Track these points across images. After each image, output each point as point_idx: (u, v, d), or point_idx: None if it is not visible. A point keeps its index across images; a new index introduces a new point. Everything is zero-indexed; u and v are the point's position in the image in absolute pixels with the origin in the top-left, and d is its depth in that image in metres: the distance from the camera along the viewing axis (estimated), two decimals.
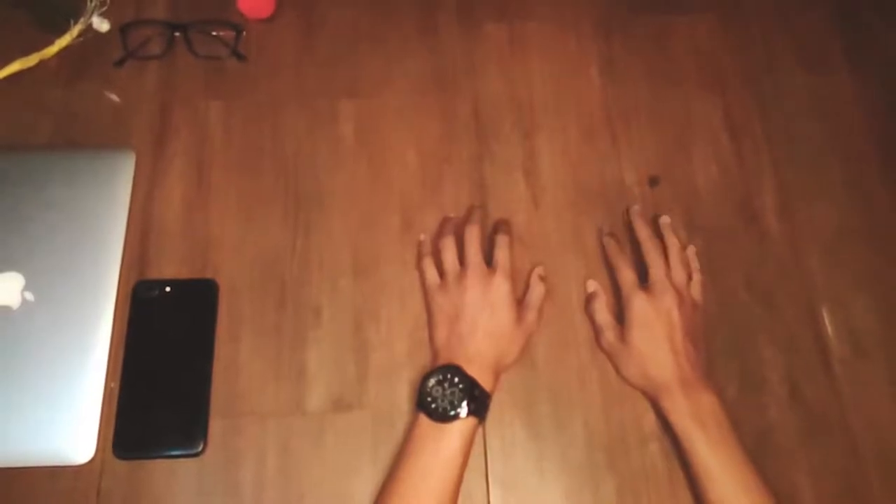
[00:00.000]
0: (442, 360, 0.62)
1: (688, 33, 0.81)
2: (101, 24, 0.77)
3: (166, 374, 0.64)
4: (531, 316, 0.66)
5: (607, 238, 0.70)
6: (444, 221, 0.71)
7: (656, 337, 0.63)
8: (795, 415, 0.65)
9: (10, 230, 0.67)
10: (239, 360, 0.65)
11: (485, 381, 0.60)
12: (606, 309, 0.67)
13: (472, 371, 0.60)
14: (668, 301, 0.64)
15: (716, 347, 0.66)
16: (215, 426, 0.63)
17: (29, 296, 0.65)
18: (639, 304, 0.64)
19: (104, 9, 0.78)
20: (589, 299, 0.68)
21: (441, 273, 0.67)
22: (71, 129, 0.74)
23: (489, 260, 0.66)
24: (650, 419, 0.64)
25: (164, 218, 0.70)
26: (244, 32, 0.78)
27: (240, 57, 0.77)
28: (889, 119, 0.77)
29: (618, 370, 0.65)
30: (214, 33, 0.77)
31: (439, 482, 0.57)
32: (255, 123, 0.75)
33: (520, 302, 0.66)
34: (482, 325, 0.62)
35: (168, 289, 0.67)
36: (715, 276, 0.69)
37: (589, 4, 0.82)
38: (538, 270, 0.68)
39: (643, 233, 0.69)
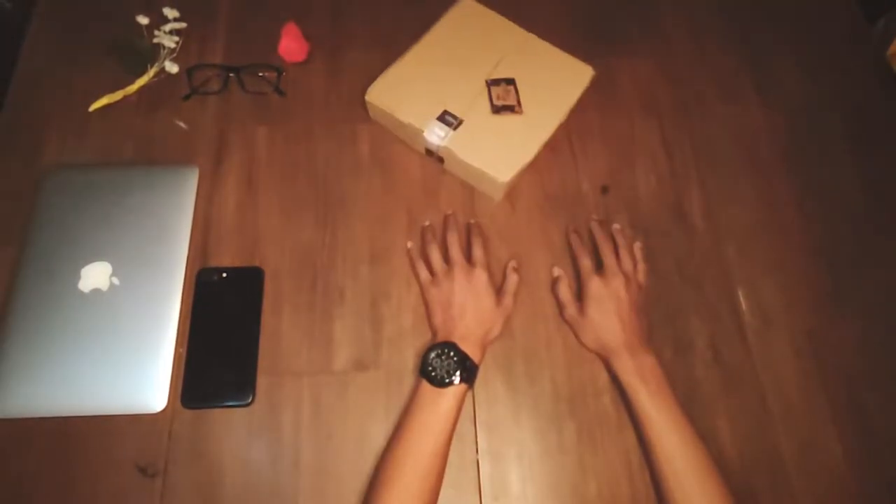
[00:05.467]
0: (440, 338, 0.61)
1: (632, 72, 0.79)
2: (172, 67, 0.76)
3: (223, 342, 0.63)
4: (508, 300, 0.64)
5: (573, 235, 0.69)
6: (424, 230, 0.69)
7: (608, 311, 0.61)
8: (717, 372, 0.64)
9: (100, 229, 0.66)
10: (280, 330, 0.64)
11: (474, 354, 0.59)
12: (568, 289, 0.65)
13: (465, 347, 0.59)
14: (617, 283, 0.62)
15: (655, 319, 0.65)
16: (262, 382, 0.62)
17: (115, 280, 0.64)
18: (594, 285, 0.63)
19: (174, 55, 0.77)
20: (554, 282, 0.67)
21: (431, 271, 0.65)
22: (148, 150, 0.72)
23: (468, 256, 0.65)
24: (603, 376, 0.63)
25: (221, 219, 0.69)
26: (284, 73, 0.76)
27: (280, 92, 0.76)
28: (789, 140, 0.76)
29: (577, 338, 0.64)
30: (261, 74, 0.76)
31: (436, 434, 0.56)
32: (292, 144, 0.73)
33: (499, 289, 0.65)
34: (469, 309, 0.61)
35: (224, 274, 0.66)
36: (653, 263, 0.68)
37: None
38: (511, 263, 0.67)
39: (599, 234, 0.68)
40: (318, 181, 0.71)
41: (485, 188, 0.70)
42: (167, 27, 0.77)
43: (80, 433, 0.59)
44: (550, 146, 0.72)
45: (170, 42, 0.76)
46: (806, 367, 0.64)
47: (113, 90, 0.74)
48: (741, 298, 0.67)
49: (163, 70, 0.75)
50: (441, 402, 0.57)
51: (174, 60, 0.76)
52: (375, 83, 0.70)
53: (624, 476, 0.59)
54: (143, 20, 0.77)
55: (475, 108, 0.69)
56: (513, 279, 0.65)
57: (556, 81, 0.72)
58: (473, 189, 0.71)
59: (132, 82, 0.74)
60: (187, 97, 0.75)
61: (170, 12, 0.78)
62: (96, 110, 0.73)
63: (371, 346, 0.64)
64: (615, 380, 0.60)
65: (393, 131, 0.73)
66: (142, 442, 0.59)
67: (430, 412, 0.57)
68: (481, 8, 0.76)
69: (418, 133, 0.68)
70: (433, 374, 0.57)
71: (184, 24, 0.78)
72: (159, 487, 0.57)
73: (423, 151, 0.72)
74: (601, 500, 0.58)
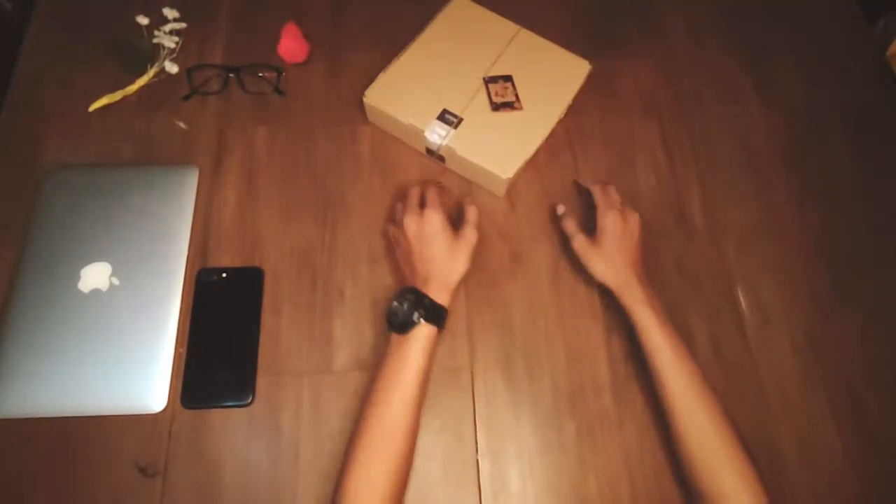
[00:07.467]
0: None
1: (631, 73, 0.79)
2: (172, 67, 0.76)
3: (223, 342, 0.63)
4: (468, 230, 0.63)
5: (578, 181, 0.70)
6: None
7: (624, 243, 0.62)
8: (718, 369, 0.64)
9: (100, 229, 0.66)
10: (280, 330, 0.64)
11: (438, 296, 0.58)
12: (574, 222, 0.66)
13: (428, 290, 0.58)
14: (634, 221, 0.64)
15: None
16: (262, 382, 0.62)
17: (115, 281, 0.64)
18: (612, 217, 0.63)
19: (174, 55, 0.77)
20: (561, 217, 0.67)
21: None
22: (148, 150, 0.72)
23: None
24: (603, 374, 0.63)
25: (220, 219, 0.69)
26: (284, 73, 0.76)
27: (280, 93, 0.76)
28: (787, 140, 0.76)
29: (587, 267, 0.63)
30: (260, 74, 0.76)
31: (404, 382, 0.55)
32: (292, 144, 0.73)
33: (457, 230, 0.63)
34: (427, 252, 0.60)
35: (224, 274, 0.66)
36: (653, 262, 0.67)
37: None
38: (467, 199, 0.67)
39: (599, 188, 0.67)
40: (318, 181, 0.71)
41: (487, 185, 0.70)
42: (167, 27, 0.78)
43: (80, 433, 0.59)
44: (550, 146, 0.72)
45: (170, 42, 0.76)
46: (805, 364, 0.64)
47: (113, 90, 0.74)
48: (741, 297, 0.67)
49: (163, 70, 0.76)
50: (407, 348, 0.56)
51: (174, 60, 0.76)
52: (373, 85, 0.70)
53: (624, 474, 0.59)
54: (143, 20, 0.77)
55: (474, 106, 0.69)
56: (472, 210, 0.64)
57: (554, 77, 0.72)
58: (473, 188, 0.71)
59: (132, 82, 0.74)
60: (187, 97, 0.75)
61: (170, 12, 0.79)
62: (96, 110, 0.73)
63: (371, 345, 0.64)
64: (622, 313, 0.60)
65: (391, 132, 0.73)
66: (142, 442, 0.59)
67: (396, 360, 0.56)
68: (474, 6, 0.76)
69: (419, 133, 0.68)
70: (395, 321, 0.57)
71: (184, 24, 0.78)
72: (159, 487, 0.57)
73: (424, 151, 0.72)
74: (601, 497, 0.58)
